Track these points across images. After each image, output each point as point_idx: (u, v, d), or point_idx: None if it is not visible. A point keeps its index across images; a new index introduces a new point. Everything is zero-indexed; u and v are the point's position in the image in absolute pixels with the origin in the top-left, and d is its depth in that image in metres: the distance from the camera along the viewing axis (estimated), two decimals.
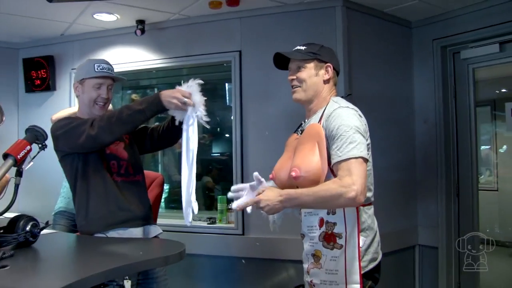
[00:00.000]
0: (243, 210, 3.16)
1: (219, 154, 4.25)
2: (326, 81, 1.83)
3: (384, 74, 3.34)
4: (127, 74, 3.80)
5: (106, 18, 3.32)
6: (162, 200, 3.18)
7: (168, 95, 1.93)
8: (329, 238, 1.69)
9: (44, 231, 1.84)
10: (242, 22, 3.26)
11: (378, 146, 3.08)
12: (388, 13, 3.29)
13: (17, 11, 3.18)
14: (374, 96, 3.22)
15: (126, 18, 3.34)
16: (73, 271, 1.45)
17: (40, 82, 3.82)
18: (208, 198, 4.12)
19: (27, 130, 1.78)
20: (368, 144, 1.70)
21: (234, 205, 1.79)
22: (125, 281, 1.89)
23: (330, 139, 1.65)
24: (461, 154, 3.29)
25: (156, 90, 4.45)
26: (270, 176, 1.89)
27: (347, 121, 1.63)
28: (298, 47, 1.87)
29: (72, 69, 3.79)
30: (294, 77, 1.84)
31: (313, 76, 1.81)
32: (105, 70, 2.14)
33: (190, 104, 1.93)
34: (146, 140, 2.27)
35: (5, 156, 1.66)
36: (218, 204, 3.43)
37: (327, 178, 1.63)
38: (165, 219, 3.61)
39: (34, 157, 1.76)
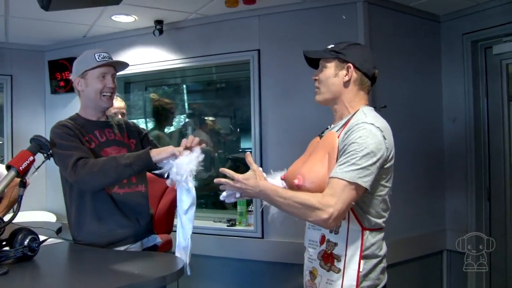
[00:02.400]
0: (262, 213, 3.16)
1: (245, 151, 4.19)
2: (346, 83, 1.61)
3: (410, 71, 3.18)
4: (147, 74, 3.83)
5: (124, 19, 3.32)
6: None
7: (158, 150, 1.83)
8: (327, 259, 1.56)
9: (49, 241, 1.84)
10: (260, 20, 3.18)
11: (403, 146, 2.96)
12: (414, 7, 3.12)
13: (42, 16, 3.20)
14: (398, 94, 3.08)
15: (144, 19, 3.33)
16: None
17: (64, 84, 3.88)
18: None
19: (31, 140, 1.78)
20: (389, 167, 1.54)
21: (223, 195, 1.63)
22: None
23: (340, 152, 1.51)
24: (492, 155, 3.10)
25: (184, 87, 4.42)
26: (282, 176, 1.76)
27: (363, 140, 1.46)
28: (329, 46, 1.69)
29: None
30: (317, 77, 1.68)
31: (331, 76, 1.62)
32: (106, 59, 1.99)
33: (178, 155, 1.79)
34: None
35: (8, 167, 1.66)
36: (238, 206, 3.39)
37: None
38: None
39: (39, 167, 1.75)
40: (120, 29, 3.57)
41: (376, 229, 1.56)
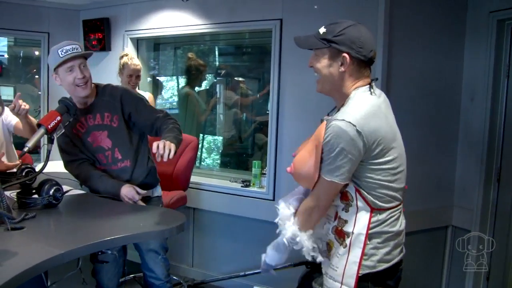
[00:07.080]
0: (275, 176, 3.32)
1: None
2: (342, 73, 1.56)
3: (432, 48, 3.16)
4: (175, 37, 3.96)
5: None
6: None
7: (125, 193, 2.16)
8: (340, 234, 1.65)
9: (75, 192, 2.08)
10: None
11: (418, 120, 3.01)
12: None
13: None
14: (417, 69, 3.10)
15: None
16: (73, 240, 1.57)
17: (97, 43, 4.07)
18: (259, 150, 4.23)
19: (59, 101, 1.99)
20: (377, 154, 1.54)
21: None
22: None
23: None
24: (507, 137, 3.10)
25: (216, 49, 4.51)
26: (288, 169, 1.75)
27: (334, 141, 1.49)
28: (320, 29, 1.59)
29: (126, 31, 4.00)
30: (312, 65, 1.62)
31: (326, 67, 1.58)
32: (69, 52, 2.12)
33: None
34: (148, 132, 2.38)
35: (38, 125, 1.89)
36: (253, 169, 3.56)
37: None
38: (206, 177, 3.84)
39: (66, 125, 1.96)
40: None
41: (383, 209, 1.60)
